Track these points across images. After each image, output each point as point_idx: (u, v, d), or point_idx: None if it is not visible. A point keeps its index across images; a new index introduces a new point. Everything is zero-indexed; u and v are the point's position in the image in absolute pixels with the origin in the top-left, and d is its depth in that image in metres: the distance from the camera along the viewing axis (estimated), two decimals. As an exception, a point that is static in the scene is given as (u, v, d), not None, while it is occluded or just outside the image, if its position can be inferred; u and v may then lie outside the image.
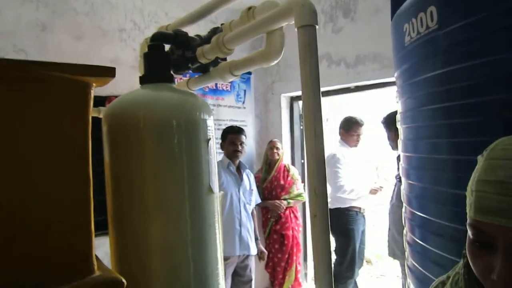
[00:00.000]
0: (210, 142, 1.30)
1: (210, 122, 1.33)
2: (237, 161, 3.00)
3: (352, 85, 3.18)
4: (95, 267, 0.84)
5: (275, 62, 1.16)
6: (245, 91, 3.70)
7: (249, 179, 3.07)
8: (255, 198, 3.19)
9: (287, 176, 3.49)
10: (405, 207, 1.20)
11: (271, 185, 3.46)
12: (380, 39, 2.84)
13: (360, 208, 3.36)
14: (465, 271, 0.63)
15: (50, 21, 2.67)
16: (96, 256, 0.90)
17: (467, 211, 0.58)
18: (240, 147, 2.93)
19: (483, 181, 0.55)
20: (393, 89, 3.88)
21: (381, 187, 3.45)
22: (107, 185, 1.28)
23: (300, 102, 3.86)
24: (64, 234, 0.80)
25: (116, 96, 1.38)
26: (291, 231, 3.39)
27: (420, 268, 1.10)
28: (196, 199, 1.23)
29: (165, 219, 1.21)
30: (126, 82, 2.95)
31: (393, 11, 1.37)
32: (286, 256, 3.36)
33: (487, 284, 0.56)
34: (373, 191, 3.41)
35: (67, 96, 0.81)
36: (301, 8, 0.95)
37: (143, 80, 1.34)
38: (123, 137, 1.22)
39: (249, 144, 3.79)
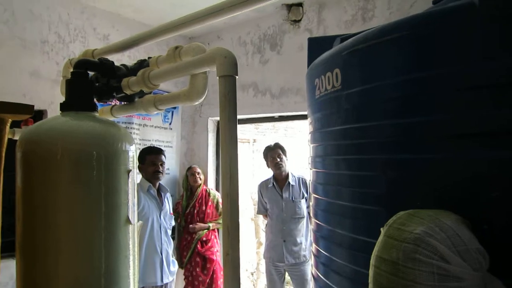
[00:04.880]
0: (131, 173, 1.32)
1: (131, 152, 1.34)
2: (157, 184, 2.93)
3: (276, 114, 3.34)
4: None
5: (198, 102, 1.23)
6: (172, 112, 3.70)
7: (168, 202, 3.02)
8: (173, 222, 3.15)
9: (209, 200, 3.55)
10: (313, 244, 1.32)
11: (193, 210, 3.48)
12: (303, 75, 3.06)
13: None
14: None
15: (-38, 26, 2.48)
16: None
17: (369, 282, 0.64)
18: (161, 168, 2.87)
19: (379, 258, 0.61)
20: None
21: None
22: (17, 209, 1.23)
23: (227, 126, 3.96)
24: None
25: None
26: (215, 256, 3.43)
27: (322, 277, 1.21)
28: (112, 230, 1.23)
29: (77, 251, 1.19)
30: (46, 96, 2.83)
31: (310, 59, 1.52)
32: (208, 280, 3.37)
33: None
34: None
35: (-21, 130, 0.80)
36: (223, 60, 1.03)
37: (64, 107, 1.32)
38: (38, 165, 1.19)
39: (174, 166, 3.78)
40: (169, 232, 2.89)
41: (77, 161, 1.18)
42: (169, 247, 2.83)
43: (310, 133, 1.39)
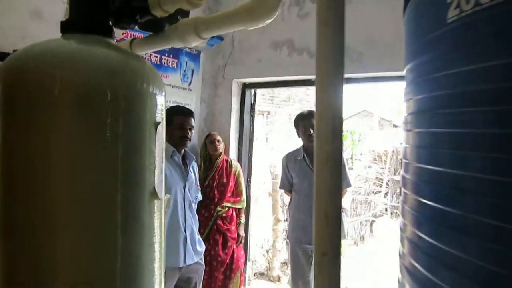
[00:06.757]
0: (159, 127, 0.92)
1: (160, 99, 0.95)
2: (183, 150, 2.52)
3: (313, 77, 2.91)
4: None
5: (267, 23, 0.83)
6: (193, 71, 3.28)
7: (194, 172, 2.63)
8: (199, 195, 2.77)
9: (231, 172, 3.16)
10: (411, 228, 0.95)
11: (213, 182, 3.10)
12: (349, 30, 2.61)
13: None
14: None
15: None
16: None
17: None
18: (189, 133, 2.45)
19: None
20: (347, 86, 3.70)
21: None
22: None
23: (253, 90, 3.54)
24: None
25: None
26: (235, 234, 3.11)
27: (424, 271, 0.87)
28: (133, 208, 0.85)
29: (82, 234, 0.81)
30: (50, 42, 2.41)
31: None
32: (228, 260, 3.03)
33: None
34: None
35: None
36: None
37: (67, 27, 0.93)
38: (26, 105, 0.79)
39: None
40: (194, 206, 2.52)
41: (84, 100, 0.78)
42: (193, 223, 2.46)
43: (408, 84, 1.00)
